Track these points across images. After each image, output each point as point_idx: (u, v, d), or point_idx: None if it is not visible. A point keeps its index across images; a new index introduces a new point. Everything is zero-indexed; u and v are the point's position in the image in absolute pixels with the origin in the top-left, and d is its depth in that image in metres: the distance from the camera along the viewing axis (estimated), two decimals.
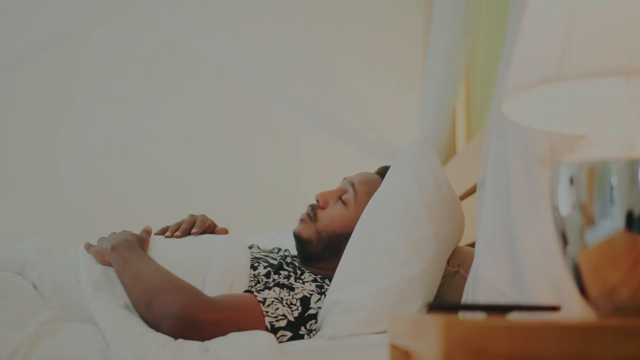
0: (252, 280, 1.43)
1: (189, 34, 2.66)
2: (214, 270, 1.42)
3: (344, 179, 1.64)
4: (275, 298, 1.35)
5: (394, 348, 0.91)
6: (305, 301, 1.38)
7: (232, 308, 1.31)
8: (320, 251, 1.55)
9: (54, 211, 2.97)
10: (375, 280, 1.34)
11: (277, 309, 1.34)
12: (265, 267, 1.48)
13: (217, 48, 2.64)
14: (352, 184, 1.59)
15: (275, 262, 1.53)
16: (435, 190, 1.41)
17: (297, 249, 1.59)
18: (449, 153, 2.55)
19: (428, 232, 1.37)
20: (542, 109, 0.84)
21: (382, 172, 1.61)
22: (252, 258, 1.52)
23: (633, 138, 0.74)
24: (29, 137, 3.01)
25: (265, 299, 1.34)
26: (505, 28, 1.18)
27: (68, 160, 3.02)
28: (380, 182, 1.54)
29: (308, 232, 1.56)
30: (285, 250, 1.67)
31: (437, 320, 0.63)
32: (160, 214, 2.23)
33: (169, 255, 1.46)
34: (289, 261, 1.57)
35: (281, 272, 1.48)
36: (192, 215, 1.60)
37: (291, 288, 1.39)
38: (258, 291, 1.36)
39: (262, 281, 1.42)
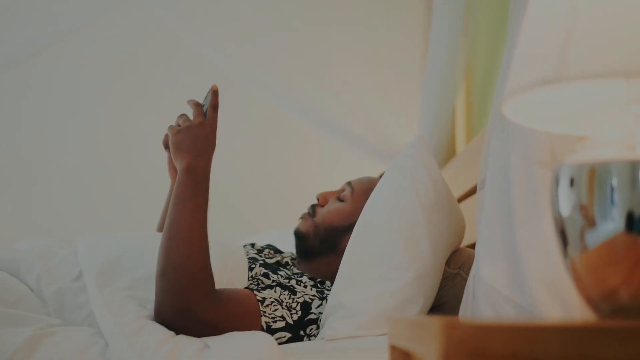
0: (250, 281, 1.43)
1: (190, 36, 2.66)
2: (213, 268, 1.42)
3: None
4: (275, 299, 1.34)
5: (393, 349, 0.91)
6: (306, 306, 1.38)
7: (231, 305, 1.30)
8: (317, 245, 1.56)
9: (56, 211, 2.97)
10: (375, 284, 1.34)
11: (276, 310, 1.33)
12: (261, 267, 1.48)
13: (218, 50, 2.64)
14: (350, 183, 1.61)
15: (271, 262, 1.53)
16: (432, 192, 1.41)
17: (297, 247, 1.61)
18: (448, 154, 2.55)
19: (425, 235, 1.36)
20: (543, 110, 0.84)
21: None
22: (248, 258, 1.52)
23: (633, 139, 0.74)
24: (30, 137, 3.01)
25: (264, 298, 1.34)
26: (506, 28, 1.17)
27: (70, 160, 3.02)
28: None
29: (306, 227, 1.59)
30: (283, 253, 1.68)
31: (436, 322, 0.63)
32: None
33: None
34: (285, 262, 1.57)
35: (279, 272, 1.48)
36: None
37: (293, 291, 1.39)
38: (259, 289, 1.36)
39: (262, 282, 1.42)
